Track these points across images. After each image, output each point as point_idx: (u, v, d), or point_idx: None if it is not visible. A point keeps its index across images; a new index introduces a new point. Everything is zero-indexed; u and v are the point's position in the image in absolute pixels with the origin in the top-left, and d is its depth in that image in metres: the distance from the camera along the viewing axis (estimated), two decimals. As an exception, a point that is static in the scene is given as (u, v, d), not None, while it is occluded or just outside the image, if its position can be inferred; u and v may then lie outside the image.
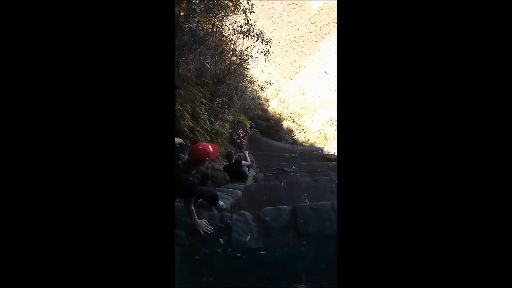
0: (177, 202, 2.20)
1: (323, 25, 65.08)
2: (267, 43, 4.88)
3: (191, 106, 3.78)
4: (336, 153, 9.92)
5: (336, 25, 0.90)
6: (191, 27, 3.33)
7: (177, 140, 2.01)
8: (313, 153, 10.01)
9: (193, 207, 1.85)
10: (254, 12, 4.47)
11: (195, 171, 1.87)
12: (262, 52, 4.92)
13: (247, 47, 5.16)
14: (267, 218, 1.97)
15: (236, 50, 5.93)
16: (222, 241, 1.81)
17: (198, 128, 3.86)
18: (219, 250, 1.76)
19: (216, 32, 4.08)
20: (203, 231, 1.83)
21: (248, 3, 3.90)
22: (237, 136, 8.43)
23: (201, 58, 4.46)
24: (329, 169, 5.45)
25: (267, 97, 17.79)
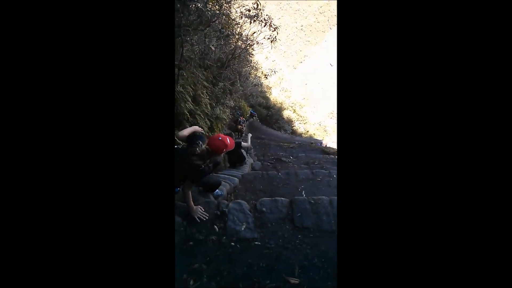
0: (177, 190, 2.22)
1: (331, 15, 63.63)
2: (275, 30, 4.73)
3: (193, 89, 3.69)
4: (334, 147, 9.92)
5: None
6: (198, 6, 3.20)
7: (197, 128, 2.10)
8: (312, 145, 9.99)
9: (190, 191, 1.87)
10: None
11: (209, 160, 1.93)
12: (269, 38, 4.78)
13: (254, 32, 5.00)
14: (264, 209, 1.95)
15: (242, 34, 5.77)
16: (217, 229, 1.80)
17: (198, 112, 3.79)
18: (213, 237, 1.74)
19: (223, 14, 3.93)
20: (198, 217, 1.83)
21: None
22: (238, 122, 8.40)
23: (206, 40, 4.32)
24: (327, 162, 5.43)
25: (270, 85, 17.58)
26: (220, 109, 4.68)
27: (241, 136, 8.29)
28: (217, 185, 2.32)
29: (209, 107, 4.19)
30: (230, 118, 6.62)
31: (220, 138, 1.85)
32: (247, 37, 5.86)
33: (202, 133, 2.09)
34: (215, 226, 1.81)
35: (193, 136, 1.97)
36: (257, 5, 4.46)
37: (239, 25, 5.29)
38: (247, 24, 5.16)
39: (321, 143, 12.72)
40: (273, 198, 2.12)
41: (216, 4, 3.53)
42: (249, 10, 4.85)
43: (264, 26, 4.86)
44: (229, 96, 5.48)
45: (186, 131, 2.03)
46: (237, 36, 5.62)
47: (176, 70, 3.49)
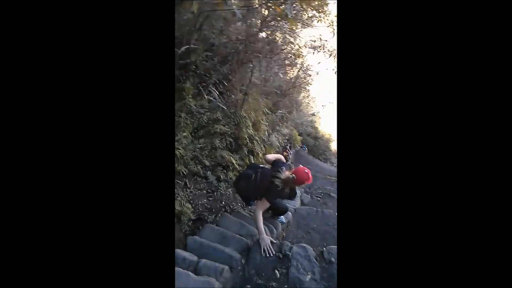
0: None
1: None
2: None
3: (254, 115, 3.70)
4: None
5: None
6: (268, 34, 3.27)
7: (281, 157, 2.32)
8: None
9: (261, 213, 1.95)
10: (333, 28, 4.28)
11: (289, 187, 2.08)
12: (333, 69, 4.69)
13: (319, 62, 4.96)
14: (332, 259, 1.71)
15: (303, 63, 5.79)
16: (278, 275, 1.61)
17: (256, 138, 3.76)
18: (273, 284, 1.56)
19: (291, 43, 3.97)
20: (263, 248, 1.78)
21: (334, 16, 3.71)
22: (285, 149, 8.31)
23: (268, 67, 4.40)
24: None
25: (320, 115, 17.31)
26: (275, 137, 4.62)
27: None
28: (285, 210, 2.44)
29: (266, 133, 4.14)
30: (282, 145, 6.53)
31: (306, 171, 1.98)
32: (307, 67, 5.87)
33: (283, 159, 2.29)
34: (277, 271, 1.63)
35: (278, 161, 2.16)
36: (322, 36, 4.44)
37: (303, 55, 5.31)
38: (310, 54, 5.14)
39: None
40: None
41: (285, 32, 3.57)
42: (314, 41, 4.87)
43: (329, 57, 4.80)
44: (285, 124, 5.43)
45: (272, 156, 2.28)
46: (298, 66, 5.65)
47: (241, 95, 3.55)
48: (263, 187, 2.02)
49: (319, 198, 5.02)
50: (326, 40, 4.72)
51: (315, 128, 16.46)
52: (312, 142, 15.20)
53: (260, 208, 1.94)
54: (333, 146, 17.12)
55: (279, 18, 2.73)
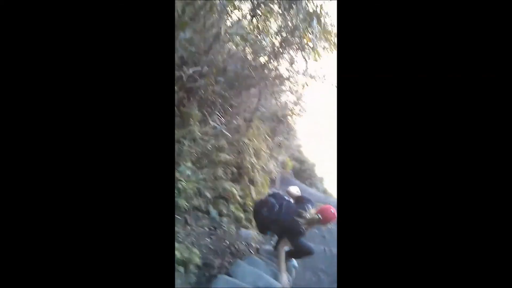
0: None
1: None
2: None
3: (257, 142, 3.53)
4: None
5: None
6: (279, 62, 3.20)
7: (299, 191, 2.24)
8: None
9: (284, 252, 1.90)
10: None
11: (313, 226, 2.00)
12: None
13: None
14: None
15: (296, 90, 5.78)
16: None
17: (257, 166, 3.56)
18: None
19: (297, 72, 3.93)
20: (281, 283, 1.80)
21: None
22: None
23: (271, 92, 4.31)
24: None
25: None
26: (274, 164, 4.45)
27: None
28: (309, 252, 2.14)
29: (266, 161, 3.97)
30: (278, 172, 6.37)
31: (333, 211, 1.88)
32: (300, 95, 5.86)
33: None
34: None
35: (303, 198, 2.07)
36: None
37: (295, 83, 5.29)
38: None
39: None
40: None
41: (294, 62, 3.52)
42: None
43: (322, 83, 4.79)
44: (281, 150, 5.30)
45: (295, 190, 2.24)
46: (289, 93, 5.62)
47: (243, 121, 3.39)
48: (285, 221, 1.92)
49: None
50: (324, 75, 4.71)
51: (301, 152, 16.54)
52: (298, 166, 15.17)
53: (281, 247, 1.90)
54: (317, 170, 17.20)
55: (295, 47, 2.67)
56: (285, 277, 1.88)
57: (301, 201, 2.06)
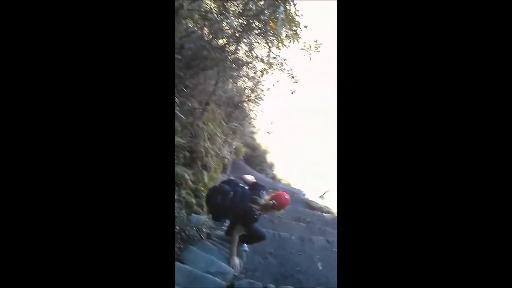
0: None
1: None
2: (296, 82, 4.75)
3: (212, 127, 3.43)
4: (317, 201, 9.73)
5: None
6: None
7: (254, 179, 2.22)
8: (295, 196, 9.70)
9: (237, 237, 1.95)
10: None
11: (268, 212, 2.06)
12: (291, 91, 4.75)
13: (278, 81, 4.98)
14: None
15: (252, 77, 5.75)
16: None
17: (211, 152, 3.48)
18: None
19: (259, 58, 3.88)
20: (232, 267, 1.84)
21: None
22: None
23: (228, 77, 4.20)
24: (321, 221, 5.15)
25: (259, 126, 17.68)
26: (227, 150, 4.41)
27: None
28: (261, 239, 2.28)
29: (221, 147, 3.91)
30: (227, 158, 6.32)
31: (286, 197, 1.95)
32: (257, 81, 5.85)
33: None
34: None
35: (258, 185, 2.10)
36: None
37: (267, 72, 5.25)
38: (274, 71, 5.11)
39: (304, 194, 12.50)
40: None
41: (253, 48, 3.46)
42: (274, 57, 4.86)
43: (287, 76, 4.86)
44: (236, 136, 5.26)
45: (250, 177, 2.24)
46: (246, 79, 5.57)
47: (201, 105, 3.25)
48: (239, 208, 1.93)
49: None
50: (284, 59, 4.75)
51: (254, 139, 16.71)
52: (250, 153, 15.33)
53: (236, 232, 1.93)
54: (269, 157, 17.65)
55: (256, 32, 2.60)
56: (237, 262, 1.90)
57: (255, 187, 2.08)
